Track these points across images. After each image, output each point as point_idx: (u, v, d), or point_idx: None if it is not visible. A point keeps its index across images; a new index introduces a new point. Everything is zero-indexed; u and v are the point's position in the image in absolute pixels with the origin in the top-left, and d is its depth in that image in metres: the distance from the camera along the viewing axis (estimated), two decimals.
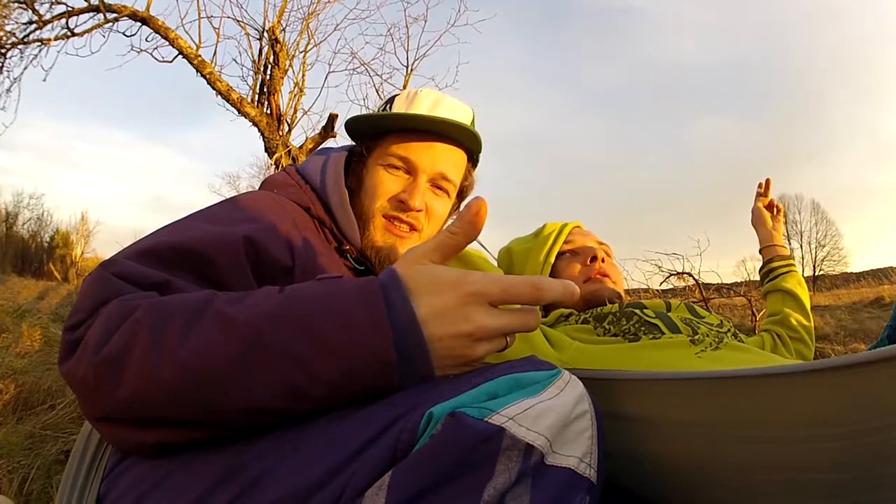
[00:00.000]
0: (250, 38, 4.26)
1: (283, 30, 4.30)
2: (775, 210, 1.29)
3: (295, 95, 4.35)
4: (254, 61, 4.25)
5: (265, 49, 4.24)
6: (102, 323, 0.46)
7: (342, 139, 4.10)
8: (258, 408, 0.42)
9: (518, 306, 0.47)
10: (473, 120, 0.88)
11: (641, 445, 0.56)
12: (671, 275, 4.57)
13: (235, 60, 4.27)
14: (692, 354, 0.81)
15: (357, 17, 4.67)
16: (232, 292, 0.48)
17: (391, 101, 0.86)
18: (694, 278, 4.57)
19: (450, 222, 0.91)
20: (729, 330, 0.96)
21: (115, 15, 4.05)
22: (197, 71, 4.03)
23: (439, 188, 0.83)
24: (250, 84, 4.24)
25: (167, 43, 4.03)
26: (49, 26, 4.20)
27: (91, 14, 4.15)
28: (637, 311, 0.93)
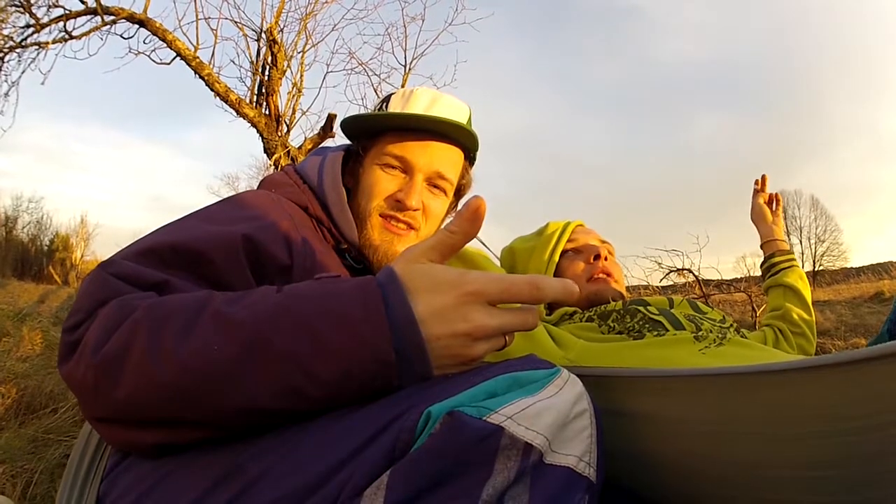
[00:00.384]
0: (248, 39, 4.25)
1: (281, 30, 4.30)
2: (774, 204, 1.29)
3: (293, 96, 4.35)
4: (252, 62, 4.25)
5: (263, 50, 4.24)
6: (101, 323, 0.46)
7: (341, 139, 4.08)
8: (257, 408, 0.42)
9: (518, 305, 0.47)
10: (470, 118, 0.88)
11: (642, 443, 0.56)
12: (671, 271, 4.57)
13: (233, 61, 4.27)
14: (696, 351, 0.82)
15: (355, 17, 4.66)
16: (230, 292, 0.48)
17: (387, 99, 0.86)
18: (694, 274, 4.57)
19: (448, 221, 0.91)
20: (731, 325, 0.96)
21: (112, 17, 4.05)
22: (195, 72, 4.03)
23: (436, 187, 0.83)
24: (248, 85, 4.24)
25: (165, 45, 4.03)
26: (46, 30, 4.20)
27: (88, 17, 4.15)
28: (641, 308, 0.93)
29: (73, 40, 4.21)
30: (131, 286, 0.50)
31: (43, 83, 4.26)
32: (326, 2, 4.54)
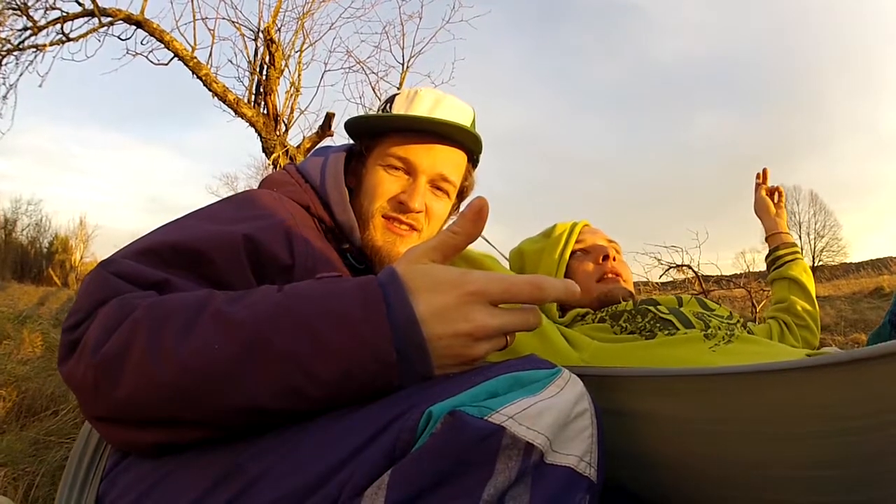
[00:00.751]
0: (245, 38, 4.25)
1: (279, 30, 4.29)
2: (777, 196, 1.30)
3: (291, 95, 4.34)
4: (249, 62, 4.24)
5: (261, 49, 4.23)
6: (101, 323, 0.46)
7: (339, 138, 4.10)
8: (257, 407, 0.42)
9: (519, 306, 0.47)
10: (474, 120, 0.88)
11: (643, 443, 0.56)
12: (671, 267, 4.57)
13: (231, 61, 4.27)
14: (706, 349, 0.83)
15: (352, 16, 4.66)
16: (231, 291, 0.48)
17: (391, 100, 0.86)
18: (693, 270, 4.57)
19: (450, 222, 0.91)
20: (738, 322, 0.98)
21: (109, 19, 4.04)
22: (193, 73, 4.03)
23: (439, 189, 0.83)
24: (246, 85, 4.24)
25: (162, 45, 4.03)
26: (44, 32, 4.19)
27: (86, 19, 4.14)
28: (651, 308, 0.94)
29: (71, 42, 4.20)
30: (131, 285, 0.50)
31: (41, 85, 4.27)
32: (323, 1, 4.54)
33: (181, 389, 0.42)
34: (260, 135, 4.09)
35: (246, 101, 4.13)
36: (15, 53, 4.25)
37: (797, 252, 1.24)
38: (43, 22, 4.14)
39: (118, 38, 4.16)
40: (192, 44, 4.05)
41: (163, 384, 0.42)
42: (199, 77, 4.02)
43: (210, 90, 4.01)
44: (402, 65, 4.65)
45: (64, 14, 4.13)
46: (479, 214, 0.47)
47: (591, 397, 0.45)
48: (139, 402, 0.43)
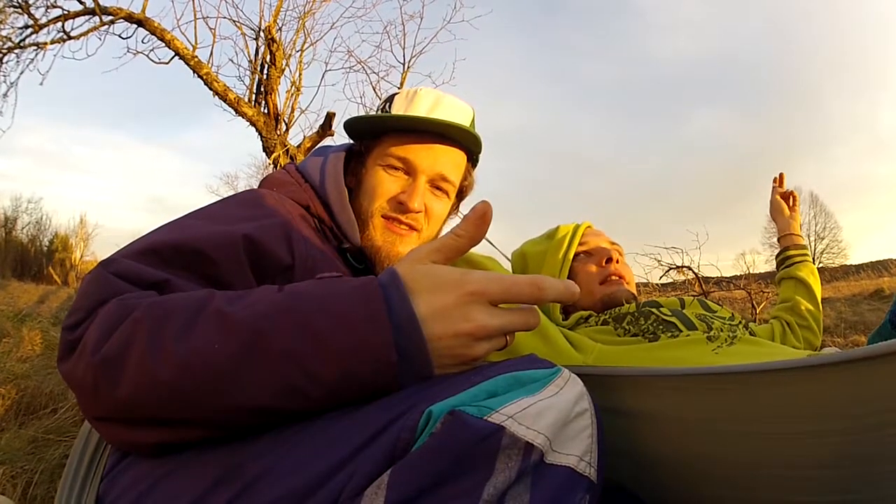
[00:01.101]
0: (246, 37, 4.25)
1: (280, 29, 4.29)
2: (791, 200, 1.32)
3: (292, 94, 4.34)
4: (250, 61, 4.24)
5: (262, 49, 4.23)
6: (101, 322, 0.46)
7: (340, 137, 4.10)
8: (257, 407, 0.42)
9: (519, 305, 0.47)
10: (473, 119, 0.88)
11: (642, 443, 0.56)
12: (671, 268, 4.57)
13: (232, 60, 4.26)
14: (709, 351, 0.83)
15: (353, 16, 4.66)
16: (231, 291, 0.48)
17: (391, 100, 0.86)
18: (693, 272, 4.57)
19: (450, 222, 0.92)
20: (740, 323, 0.98)
21: (110, 17, 4.04)
22: (194, 72, 4.02)
23: (438, 189, 0.84)
24: (247, 84, 4.23)
25: (163, 44, 4.02)
26: (45, 30, 4.19)
27: (87, 17, 4.14)
28: (654, 310, 0.95)
29: (72, 41, 4.20)
30: (131, 285, 0.50)
31: (41, 84, 4.26)
32: (324, 0, 4.54)
33: (181, 389, 0.42)
34: (260, 134, 4.09)
35: (246, 100, 4.13)
36: (16, 51, 4.25)
37: (807, 255, 1.25)
38: (44, 20, 4.14)
39: (119, 36, 4.16)
40: (193, 43, 4.05)
41: (163, 384, 0.42)
42: (199, 76, 4.01)
43: (211, 89, 4.01)
44: (403, 65, 4.65)
45: (65, 12, 4.13)
46: (482, 218, 0.47)
47: (591, 397, 0.45)
48: (139, 402, 0.43)
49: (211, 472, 0.42)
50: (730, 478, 0.51)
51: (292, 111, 4.32)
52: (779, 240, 1.31)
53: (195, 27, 4.06)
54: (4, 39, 4.16)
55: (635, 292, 1.11)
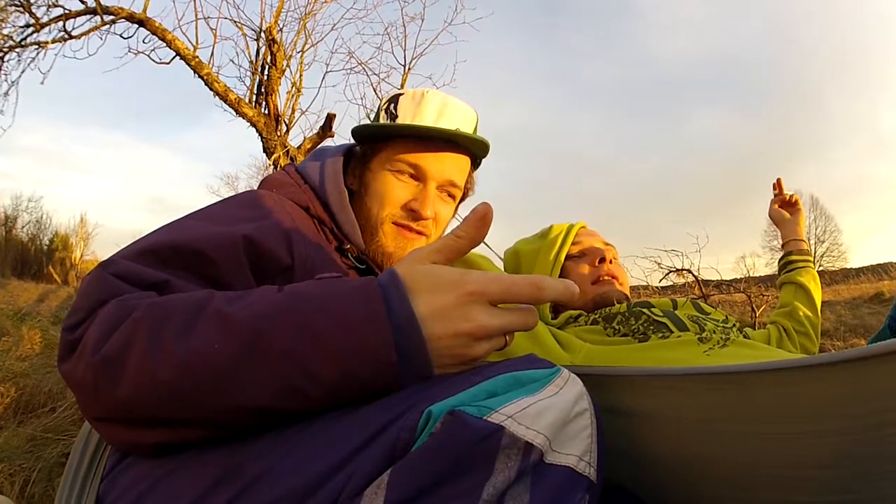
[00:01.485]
0: (247, 38, 4.26)
1: (281, 30, 4.30)
2: (793, 202, 1.30)
3: (292, 95, 4.35)
4: (251, 62, 4.25)
5: (262, 49, 4.24)
6: (101, 323, 0.46)
7: (340, 138, 4.11)
8: (257, 407, 0.42)
9: (517, 305, 0.47)
10: (477, 121, 0.88)
11: (642, 443, 0.56)
12: (671, 271, 4.57)
13: (233, 61, 4.27)
14: (701, 353, 0.83)
15: (354, 17, 4.67)
16: (231, 291, 0.48)
17: (395, 100, 0.85)
18: (693, 275, 4.57)
19: (452, 223, 0.92)
20: (734, 326, 0.97)
21: (112, 17, 4.05)
22: (194, 72, 4.03)
23: (446, 194, 0.84)
24: (248, 84, 4.24)
25: (164, 44, 4.03)
26: (46, 29, 4.20)
27: (88, 16, 4.15)
28: (645, 310, 0.94)
29: (73, 40, 4.21)
30: (131, 286, 0.50)
31: (42, 83, 4.27)
32: (326, 1, 4.55)
33: (181, 389, 0.42)
34: (261, 135, 4.10)
35: (247, 101, 4.13)
36: (17, 50, 4.25)
37: (809, 261, 1.24)
38: (45, 19, 4.15)
39: (120, 36, 4.17)
40: (194, 43, 4.06)
41: (163, 384, 0.42)
42: (200, 76, 4.02)
43: (211, 90, 4.02)
44: (404, 66, 4.66)
45: (66, 11, 4.13)
46: (483, 219, 0.47)
47: (590, 397, 0.45)
48: (139, 402, 0.43)
49: (211, 472, 0.42)
50: (729, 478, 0.51)
51: (293, 112, 4.33)
52: (782, 245, 1.29)
53: (196, 27, 4.08)
54: (6, 38, 4.17)
55: (628, 293, 1.10)
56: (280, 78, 4.23)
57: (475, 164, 0.90)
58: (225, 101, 4.03)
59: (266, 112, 4.17)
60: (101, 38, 4.20)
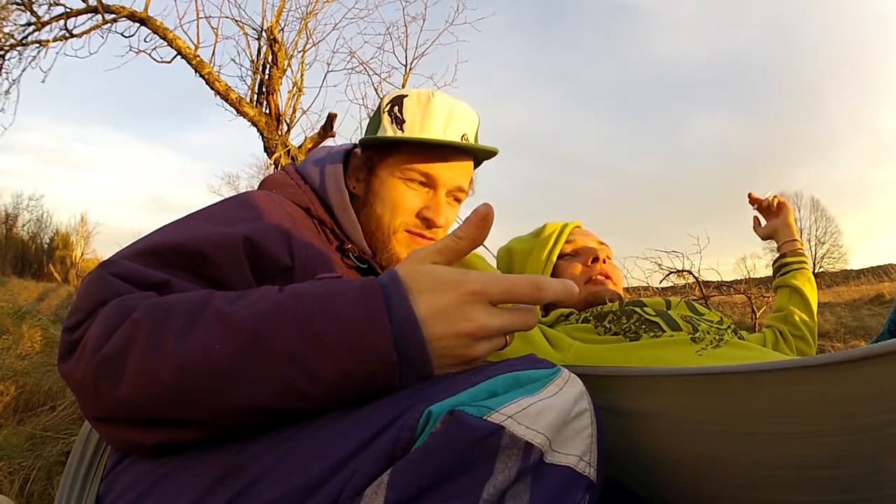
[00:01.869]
0: (249, 38, 4.25)
1: (282, 29, 4.29)
2: (776, 205, 1.25)
3: (294, 95, 4.34)
4: (252, 61, 4.24)
5: (264, 49, 4.24)
6: (101, 323, 0.46)
7: (341, 138, 4.11)
8: (257, 407, 0.42)
9: (517, 305, 0.47)
10: (479, 122, 0.89)
11: (641, 443, 0.56)
12: (671, 272, 4.57)
13: (234, 60, 4.26)
14: (693, 353, 0.82)
15: (355, 17, 4.66)
16: (231, 291, 0.48)
17: (399, 102, 0.83)
18: (694, 276, 4.57)
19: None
20: (729, 327, 0.96)
21: (113, 16, 4.05)
22: (195, 71, 4.03)
23: (453, 198, 0.85)
24: (249, 84, 4.23)
25: (166, 43, 4.03)
26: (47, 28, 4.19)
27: (89, 15, 4.15)
28: (637, 309, 0.93)
29: (74, 38, 4.20)
30: (132, 286, 0.50)
31: (43, 81, 4.26)
32: (327, 1, 4.54)
33: (181, 389, 0.42)
34: (262, 134, 4.09)
35: (248, 100, 4.13)
36: (18, 49, 4.25)
37: (804, 263, 1.21)
38: (46, 18, 4.15)
39: (121, 35, 4.16)
40: (196, 42, 4.06)
41: (163, 384, 0.42)
42: (201, 76, 4.02)
43: (212, 89, 4.01)
44: (405, 66, 4.65)
45: (67, 10, 4.13)
46: (484, 221, 0.47)
47: (590, 397, 0.45)
48: (139, 402, 0.43)
49: (211, 472, 0.42)
50: (729, 478, 0.51)
51: (294, 112, 4.32)
52: (778, 247, 1.27)
53: (197, 27, 4.07)
54: (7, 36, 4.17)
55: (622, 293, 1.09)
56: (281, 77, 4.23)
57: (476, 164, 0.90)
58: (226, 101, 4.03)
59: (267, 111, 4.17)
60: (103, 37, 4.20)
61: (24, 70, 4.32)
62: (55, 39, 4.18)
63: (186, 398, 0.42)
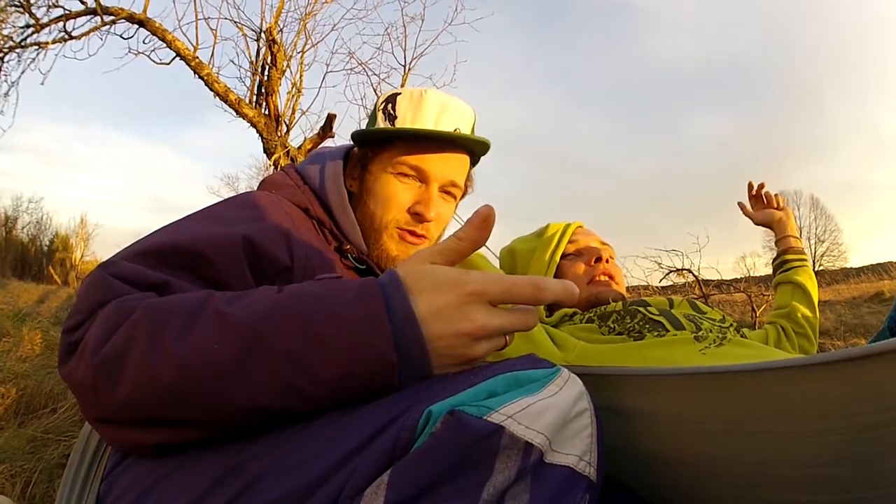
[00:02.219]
0: (248, 39, 4.25)
1: (281, 30, 4.29)
2: (773, 202, 1.25)
3: (293, 96, 4.35)
4: (251, 62, 4.24)
5: (263, 50, 4.24)
6: (101, 324, 0.46)
7: (340, 139, 4.10)
8: (257, 407, 0.42)
9: (517, 305, 0.47)
10: (475, 118, 0.88)
11: (643, 442, 0.56)
12: (671, 271, 4.57)
13: (233, 61, 4.27)
14: (696, 351, 0.82)
15: (354, 17, 4.66)
16: (230, 292, 0.48)
17: (393, 100, 0.84)
18: (694, 275, 4.58)
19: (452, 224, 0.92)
20: (731, 325, 0.96)
21: (112, 17, 4.05)
22: (195, 72, 4.03)
23: (448, 193, 0.84)
24: (248, 85, 4.24)
25: (165, 45, 4.03)
26: (46, 30, 4.20)
27: (88, 17, 4.15)
28: (641, 308, 0.93)
29: (73, 40, 4.21)
30: (131, 287, 0.50)
31: (43, 83, 4.26)
32: (326, 2, 4.55)
33: (181, 389, 0.42)
34: (261, 135, 4.09)
35: (247, 101, 4.13)
36: (17, 51, 4.25)
37: (804, 259, 1.21)
38: (45, 19, 4.15)
39: (120, 36, 4.17)
40: (194, 43, 4.06)
41: (163, 384, 0.42)
42: (200, 77, 4.02)
43: (212, 90, 4.02)
44: (404, 67, 4.65)
45: (66, 12, 4.13)
46: (485, 222, 0.47)
47: (590, 396, 0.45)
48: (139, 403, 0.43)
49: (211, 472, 0.42)
50: (729, 477, 0.51)
51: (293, 112, 4.32)
52: (776, 243, 1.27)
53: (196, 28, 4.07)
54: (6, 39, 4.17)
55: (625, 293, 1.09)
56: (280, 78, 4.23)
57: (474, 161, 0.90)
58: (225, 102, 4.03)
59: (266, 112, 4.17)
60: (102, 39, 4.20)
61: (23, 72, 4.33)
62: (54, 41, 4.18)
63: (186, 398, 0.42)
